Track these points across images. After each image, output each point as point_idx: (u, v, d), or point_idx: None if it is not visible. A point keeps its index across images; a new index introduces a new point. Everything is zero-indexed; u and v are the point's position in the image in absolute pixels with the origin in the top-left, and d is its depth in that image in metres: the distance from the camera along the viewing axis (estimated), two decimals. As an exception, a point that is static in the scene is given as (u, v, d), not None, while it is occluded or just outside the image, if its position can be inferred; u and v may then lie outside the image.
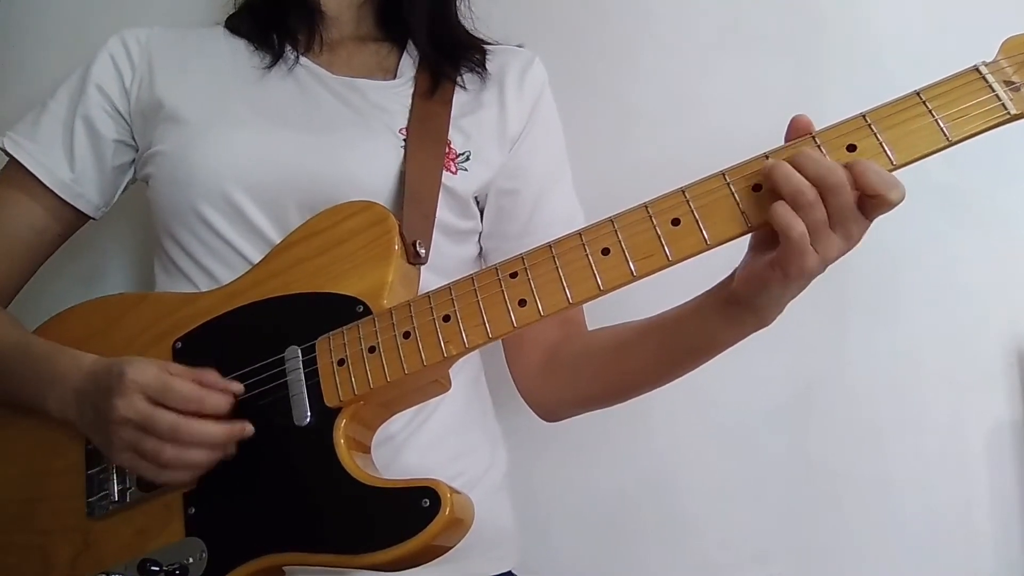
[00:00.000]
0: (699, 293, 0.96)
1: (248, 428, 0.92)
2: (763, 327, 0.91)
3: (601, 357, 1.09)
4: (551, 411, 1.18)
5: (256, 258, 1.04)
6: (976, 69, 0.79)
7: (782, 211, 0.79)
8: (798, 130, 0.83)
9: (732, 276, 0.90)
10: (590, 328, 1.17)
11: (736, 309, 0.90)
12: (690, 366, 1.02)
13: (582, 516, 1.44)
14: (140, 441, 0.90)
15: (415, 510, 0.85)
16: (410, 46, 1.21)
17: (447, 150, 1.10)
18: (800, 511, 1.39)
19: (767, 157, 0.82)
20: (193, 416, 0.90)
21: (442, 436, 1.09)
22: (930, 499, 1.36)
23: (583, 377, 1.12)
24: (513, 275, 0.88)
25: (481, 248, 1.19)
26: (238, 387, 0.94)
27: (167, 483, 0.94)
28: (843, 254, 0.81)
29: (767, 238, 0.83)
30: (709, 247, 0.82)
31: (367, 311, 0.94)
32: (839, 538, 1.38)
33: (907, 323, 1.38)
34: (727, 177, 0.82)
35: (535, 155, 1.18)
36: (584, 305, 1.01)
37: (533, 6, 1.50)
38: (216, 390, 0.92)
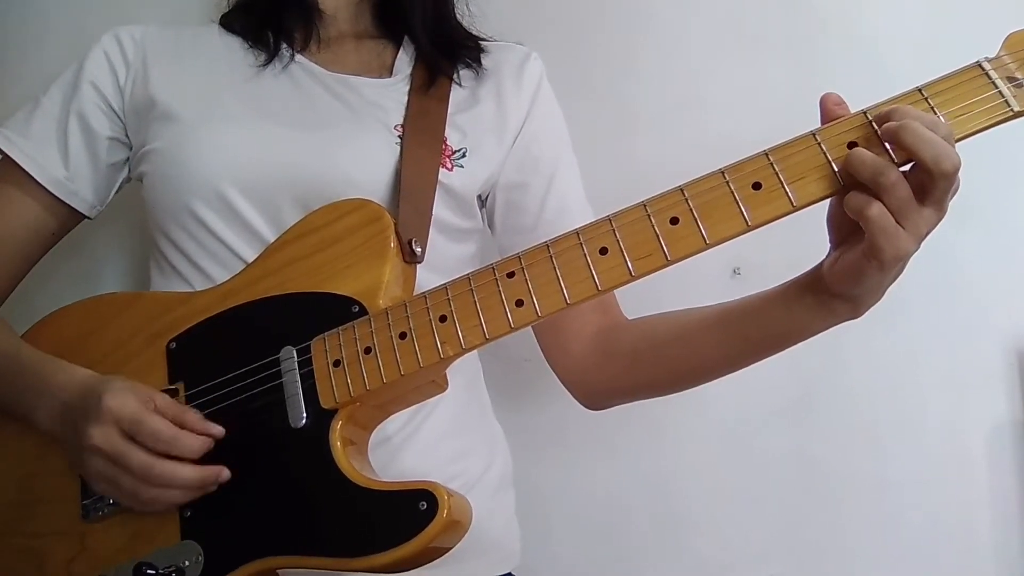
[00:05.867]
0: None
1: (224, 473, 0.91)
2: (856, 317, 0.88)
3: (668, 345, 1.06)
4: (600, 399, 1.16)
5: (251, 256, 1.03)
6: (979, 65, 0.78)
7: (854, 200, 0.77)
8: (827, 103, 0.82)
9: (819, 270, 0.87)
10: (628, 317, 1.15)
11: (830, 299, 0.88)
12: (767, 354, 0.99)
13: (582, 517, 1.44)
14: (116, 475, 0.90)
15: (412, 512, 0.84)
16: (406, 43, 1.21)
17: (443, 147, 1.10)
18: (800, 512, 1.39)
19: (767, 155, 0.81)
20: (165, 457, 0.89)
21: (439, 438, 1.08)
22: (930, 499, 1.36)
23: (644, 364, 1.09)
24: (510, 275, 0.87)
25: (476, 247, 1.19)
26: (218, 430, 0.93)
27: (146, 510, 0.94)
28: (936, 225, 0.79)
29: (848, 230, 0.82)
30: (708, 246, 0.81)
31: (363, 311, 0.93)
32: (839, 539, 1.38)
33: (907, 323, 1.37)
34: (726, 175, 0.81)
35: (540, 145, 1.18)
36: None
37: (533, 6, 1.50)
38: (195, 432, 0.91)
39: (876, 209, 0.76)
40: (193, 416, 0.93)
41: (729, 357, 1.01)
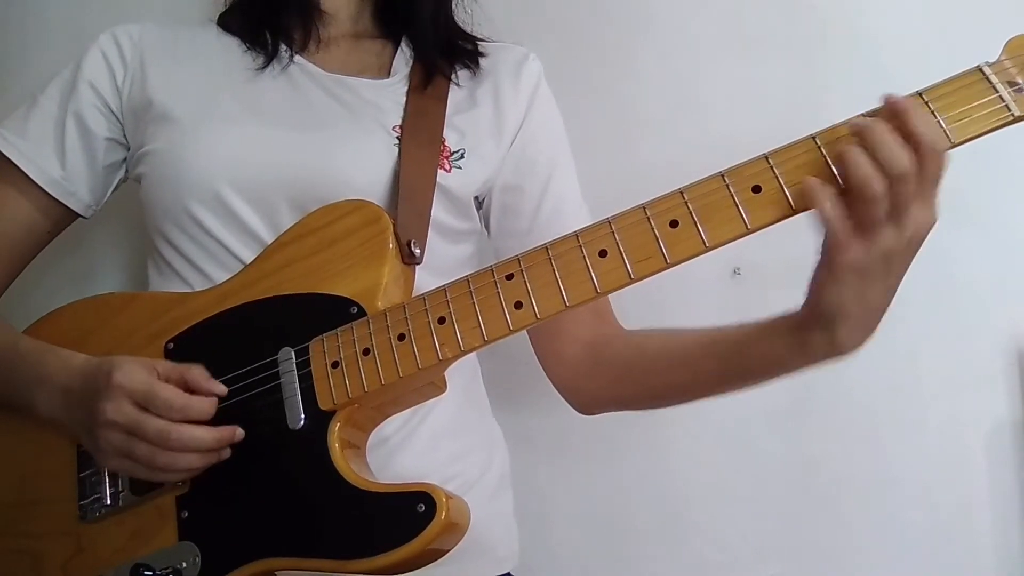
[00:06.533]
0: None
1: (239, 432, 0.92)
2: (839, 352, 0.85)
3: (654, 364, 1.06)
4: (591, 406, 1.16)
5: (248, 257, 1.03)
6: (979, 69, 0.78)
7: (816, 191, 0.77)
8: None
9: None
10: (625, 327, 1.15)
11: (805, 332, 0.86)
12: (750, 386, 0.97)
13: (581, 517, 1.44)
14: (131, 446, 0.90)
15: (410, 515, 0.84)
16: (404, 43, 1.20)
17: (441, 148, 1.09)
18: (800, 511, 1.39)
19: (767, 158, 0.80)
20: (181, 422, 0.90)
21: (438, 439, 1.08)
22: (930, 499, 1.36)
23: (631, 379, 1.09)
24: (509, 277, 0.87)
25: (474, 248, 1.18)
26: (221, 388, 0.93)
27: (161, 482, 0.94)
28: (901, 244, 0.78)
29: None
30: (708, 249, 0.81)
31: (361, 312, 0.93)
32: (839, 538, 1.38)
33: (906, 323, 1.36)
34: (726, 178, 0.81)
35: (538, 146, 1.17)
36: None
37: (533, 7, 1.50)
38: (201, 393, 0.92)
39: (828, 209, 0.76)
40: (196, 373, 0.93)
41: (710, 384, 1.01)
